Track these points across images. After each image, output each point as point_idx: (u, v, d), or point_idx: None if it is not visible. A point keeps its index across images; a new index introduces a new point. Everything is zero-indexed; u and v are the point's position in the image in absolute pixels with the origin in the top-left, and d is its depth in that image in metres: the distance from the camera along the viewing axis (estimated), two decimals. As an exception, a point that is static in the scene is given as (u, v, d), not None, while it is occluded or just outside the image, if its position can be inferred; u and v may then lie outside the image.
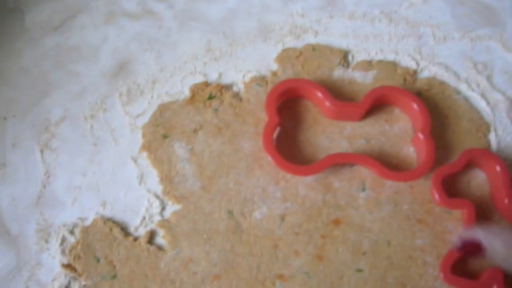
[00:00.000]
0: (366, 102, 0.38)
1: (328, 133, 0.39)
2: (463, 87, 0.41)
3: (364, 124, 0.40)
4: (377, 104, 0.40)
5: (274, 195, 0.38)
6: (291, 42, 0.43)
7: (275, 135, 0.39)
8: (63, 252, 0.37)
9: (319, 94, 0.38)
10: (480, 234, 0.33)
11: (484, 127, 0.40)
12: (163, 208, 0.38)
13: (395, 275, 0.36)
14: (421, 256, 0.37)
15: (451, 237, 0.37)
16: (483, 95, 0.41)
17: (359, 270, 0.36)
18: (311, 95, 0.39)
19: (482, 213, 0.38)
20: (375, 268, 0.36)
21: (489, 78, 0.41)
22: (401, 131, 0.40)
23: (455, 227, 0.37)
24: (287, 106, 0.40)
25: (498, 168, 0.37)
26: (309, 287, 0.36)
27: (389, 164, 0.38)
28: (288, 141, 0.39)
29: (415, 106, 0.38)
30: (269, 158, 0.37)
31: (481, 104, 0.41)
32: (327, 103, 0.38)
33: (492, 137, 0.40)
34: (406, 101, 0.38)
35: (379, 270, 0.36)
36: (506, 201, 0.36)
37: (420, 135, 0.37)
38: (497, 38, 0.43)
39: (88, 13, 0.43)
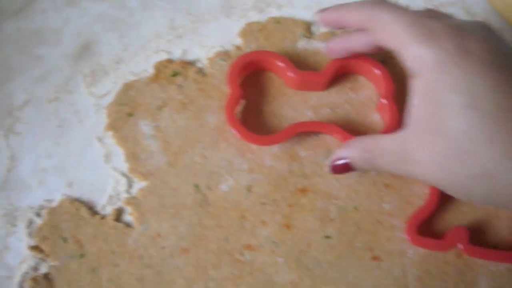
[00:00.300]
0: (329, 70, 0.38)
1: (292, 104, 0.39)
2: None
3: (329, 94, 0.40)
4: (341, 73, 0.40)
5: (240, 167, 0.38)
6: (254, 16, 0.43)
7: (240, 108, 0.39)
8: (30, 234, 0.36)
9: (282, 65, 0.38)
10: (344, 152, 0.34)
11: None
12: (130, 186, 0.38)
13: (363, 240, 0.36)
14: (389, 220, 0.37)
15: (418, 200, 0.37)
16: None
17: (327, 237, 0.36)
18: (274, 67, 0.39)
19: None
20: (343, 234, 0.36)
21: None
22: (366, 99, 0.40)
23: (421, 189, 0.38)
24: (251, 79, 0.40)
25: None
26: (277, 256, 0.36)
27: (355, 132, 0.38)
28: (253, 114, 0.39)
29: (378, 72, 0.38)
30: (232, 130, 0.36)
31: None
32: (290, 74, 0.38)
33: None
34: (369, 68, 0.38)
35: (347, 236, 0.36)
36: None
37: (384, 101, 0.37)
38: (459, 5, 0.43)
39: (49, -4, 0.43)
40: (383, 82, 0.38)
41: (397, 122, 0.37)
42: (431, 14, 0.31)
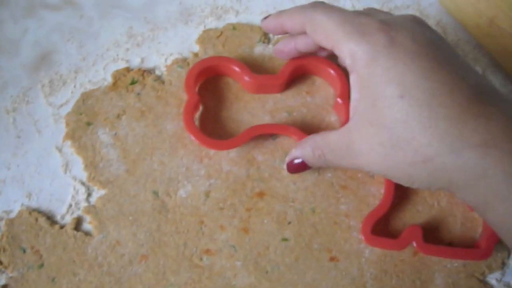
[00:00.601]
0: (285, 73, 0.39)
1: (250, 109, 0.40)
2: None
3: (286, 97, 0.40)
4: (297, 75, 0.40)
5: (198, 173, 0.38)
6: (212, 23, 0.43)
7: (198, 114, 0.39)
8: (-11, 246, 0.36)
9: (238, 70, 0.38)
10: (297, 151, 0.35)
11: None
12: (89, 195, 0.38)
13: (320, 241, 0.37)
14: (346, 221, 0.37)
15: (374, 200, 0.38)
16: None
17: (285, 239, 0.37)
18: (230, 71, 0.39)
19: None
20: (300, 236, 0.37)
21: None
22: (323, 101, 0.40)
23: (378, 190, 0.38)
24: (209, 85, 0.40)
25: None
26: (236, 259, 0.36)
27: (313, 132, 0.38)
28: (211, 119, 0.40)
29: (332, 72, 0.39)
30: (190, 136, 0.37)
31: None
32: (246, 78, 0.38)
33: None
34: (324, 69, 0.39)
35: (305, 238, 0.37)
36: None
37: (339, 100, 0.38)
38: (415, 7, 0.44)
39: (6, 7, 0.43)
40: (338, 82, 0.38)
41: None
42: (366, 12, 0.32)
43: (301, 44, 0.36)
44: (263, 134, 0.38)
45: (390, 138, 0.28)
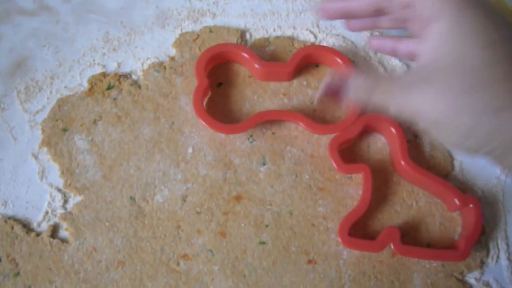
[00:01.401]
0: (294, 61, 0.39)
1: (258, 95, 0.40)
2: (361, 56, 0.42)
3: (294, 85, 0.40)
4: (305, 64, 0.41)
5: (175, 177, 0.38)
6: (189, 26, 0.43)
7: (208, 98, 0.40)
8: (-35, 254, 0.36)
9: (247, 56, 0.39)
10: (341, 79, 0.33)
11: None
12: (65, 201, 0.38)
13: (298, 244, 0.37)
14: (323, 223, 0.37)
15: (352, 202, 0.38)
16: (380, 62, 0.42)
17: (262, 243, 0.37)
18: (240, 58, 0.40)
19: (383, 175, 0.39)
20: (278, 239, 0.37)
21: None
22: None
23: (356, 191, 0.38)
24: (218, 71, 0.40)
25: (393, 131, 0.38)
26: (213, 264, 0.36)
27: (320, 120, 0.39)
28: (219, 105, 0.40)
29: (339, 61, 0.39)
30: (200, 120, 0.37)
31: (380, 70, 0.42)
32: (256, 65, 0.38)
33: (390, 101, 0.41)
34: (331, 58, 0.39)
35: (282, 241, 0.37)
36: (402, 162, 0.37)
37: None
38: (393, 6, 0.44)
39: (-19, 14, 0.43)
40: (345, 70, 0.38)
41: (358, 111, 0.38)
42: None
43: (356, 3, 0.34)
44: (270, 120, 0.38)
45: (462, 84, 0.28)
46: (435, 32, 0.30)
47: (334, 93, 0.33)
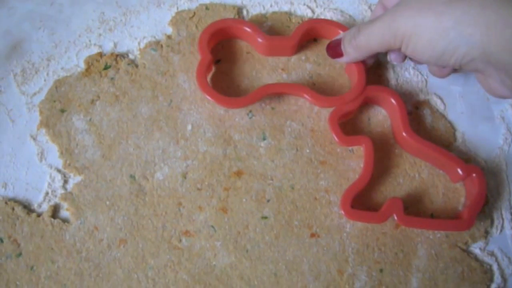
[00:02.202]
0: (297, 35, 0.38)
1: (257, 71, 0.40)
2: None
3: (297, 60, 0.40)
4: (308, 38, 0.40)
5: (175, 155, 0.38)
6: (185, 4, 0.42)
7: (211, 74, 0.39)
8: (-34, 237, 0.36)
9: (250, 31, 0.38)
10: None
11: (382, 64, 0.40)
12: (65, 181, 0.38)
13: (300, 218, 0.37)
14: (326, 196, 0.37)
15: (354, 174, 0.38)
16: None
17: (264, 217, 0.36)
18: (243, 33, 0.39)
19: (384, 147, 0.38)
20: (279, 213, 0.37)
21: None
22: (335, 63, 0.40)
23: (358, 164, 0.38)
24: (221, 46, 0.40)
25: (394, 102, 0.37)
26: (215, 240, 0.36)
27: (324, 93, 0.39)
28: (218, 82, 0.39)
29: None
30: (205, 95, 0.36)
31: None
32: (259, 39, 0.38)
33: (390, 73, 0.41)
34: (334, 31, 0.39)
35: (284, 215, 0.37)
36: (404, 133, 0.37)
37: None
38: (390, -22, 0.43)
39: (-25, -3, 0.42)
40: None
41: (364, 82, 0.37)
42: None
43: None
44: (275, 93, 0.38)
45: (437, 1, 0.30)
46: None
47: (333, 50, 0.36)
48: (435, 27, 0.30)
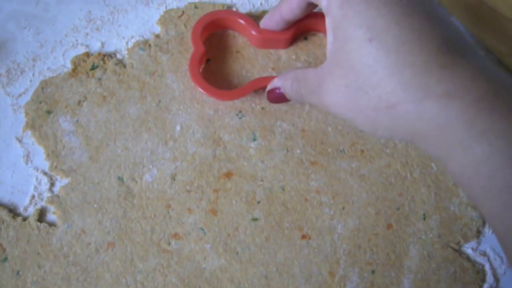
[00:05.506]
0: (291, 28, 0.38)
1: (246, 70, 0.39)
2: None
3: (290, 53, 0.40)
4: (303, 31, 0.40)
5: (164, 156, 0.37)
6: (173, 3, 0.42)
7: (203, 67, 0.39)
8: (-50, 242, 0.35)
9: (244, 23, 0.38)
10: (278, 81, 0.35)
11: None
12: (52, 184, 0.37)
13: (291, 219, 0.36)
14: (317, 197, 0.37)
15: (345, 174, 0.37)
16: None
17: (255, 219, 0.36)
18: (236, 25, 0.39)
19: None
20: (270, 215, 0.36)
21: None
22: (325, 61, 0.39)
23: (349, 164, 0.37)
24: (215, 38, 0.40)
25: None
26: (205, 242, 0.35)
27: None
28: (215, 73, 0.39)
29: None
30: (197, 86, 0.36)
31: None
32: (253, 32, 0.37)
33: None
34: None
35: (275, 217, 0.36)
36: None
37: None
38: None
39: (-41, -4, 0.41)
40: None
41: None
42: None
43: (286, 11, 0.35)
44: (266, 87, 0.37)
45: (356, 81, 0.28)
46: (327, 26, 0.30)
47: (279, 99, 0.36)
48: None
